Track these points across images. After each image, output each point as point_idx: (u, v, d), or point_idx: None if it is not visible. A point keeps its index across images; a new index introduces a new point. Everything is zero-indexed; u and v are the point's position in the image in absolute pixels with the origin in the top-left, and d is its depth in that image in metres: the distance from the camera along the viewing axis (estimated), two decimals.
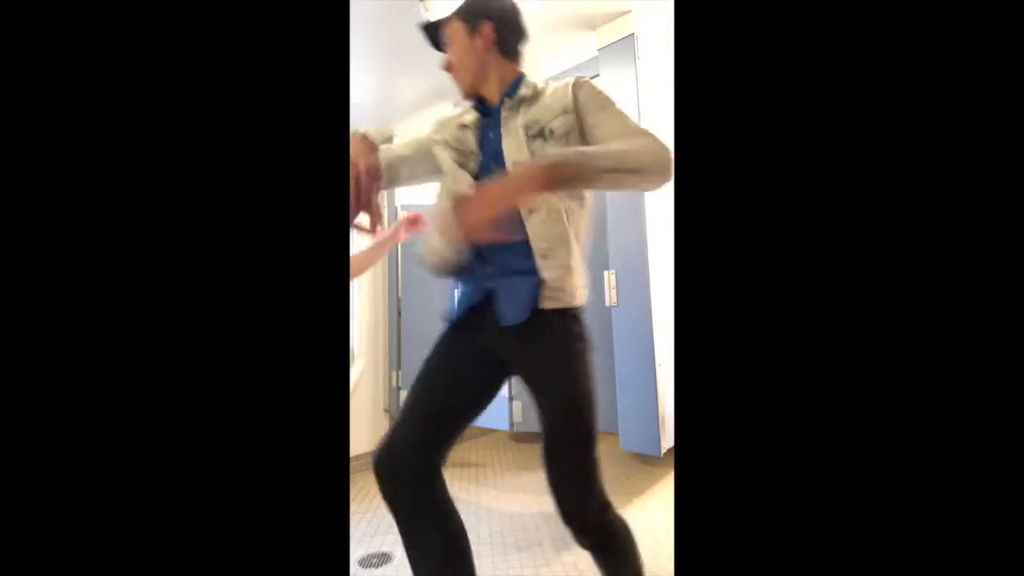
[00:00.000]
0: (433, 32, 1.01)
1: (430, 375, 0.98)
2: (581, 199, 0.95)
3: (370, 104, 2.86)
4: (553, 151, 0.87)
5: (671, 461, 2.22)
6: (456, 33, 0.97)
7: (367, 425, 2.80)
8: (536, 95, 0.95)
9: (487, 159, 0.96)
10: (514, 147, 0.92)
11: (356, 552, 1.67)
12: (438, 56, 1.02)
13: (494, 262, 0.94)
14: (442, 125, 1.06)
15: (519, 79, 0.98)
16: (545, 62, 2.13)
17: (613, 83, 1.93)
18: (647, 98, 1.92)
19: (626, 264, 1.86)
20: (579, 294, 0.93)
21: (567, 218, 0.91)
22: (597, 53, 1.99)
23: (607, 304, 1.88)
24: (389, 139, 1.05)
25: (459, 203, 0.75)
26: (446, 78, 1.06)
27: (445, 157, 1.01)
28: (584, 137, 0.92)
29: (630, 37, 1.90)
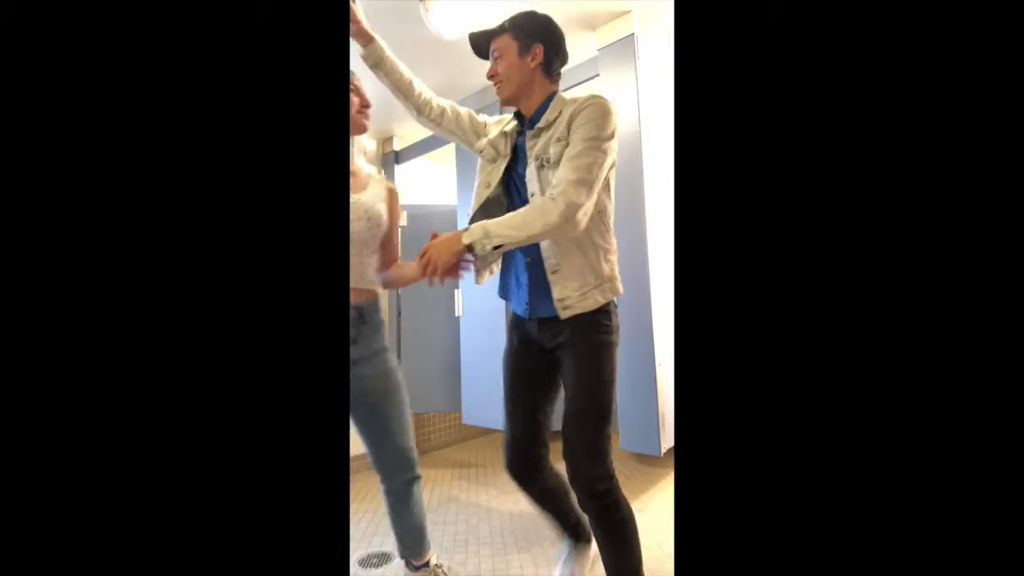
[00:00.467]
0: (479, 40, 1.12)
1: (506, 370, 1.18)
2: (600, 207, 1.05)
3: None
4: (554, 176, 1.00)
5: (671, 461, 2.22)
6: (507, 49, 1.07)
7: None
8: (549, 125, 1.05)
9: (518, 180, 1.11)
10: (531, 175, 1.05)
11: (356, 552, 1.67)
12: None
13: (527, 263, 1.09)
14: (493, 125, 1.19)
15: (551, 97, 1.09)
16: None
17: (613, 83, 1.94)
18: (647, 98, 1.92)
19: (626, 264, 1.86)
20: (593, 300, 1.03)
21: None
22: (597, 53, 1.99)
23: None
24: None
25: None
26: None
27: (481, 167, 1.17)
28: None
29: (630, 37, 1.89)
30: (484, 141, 1.17)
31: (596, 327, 1.04)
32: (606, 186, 1.06)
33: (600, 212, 1.05)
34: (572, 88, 2.12)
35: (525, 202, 1.06)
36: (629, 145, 1.86)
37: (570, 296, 1.02)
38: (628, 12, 1.90)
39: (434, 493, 2.17)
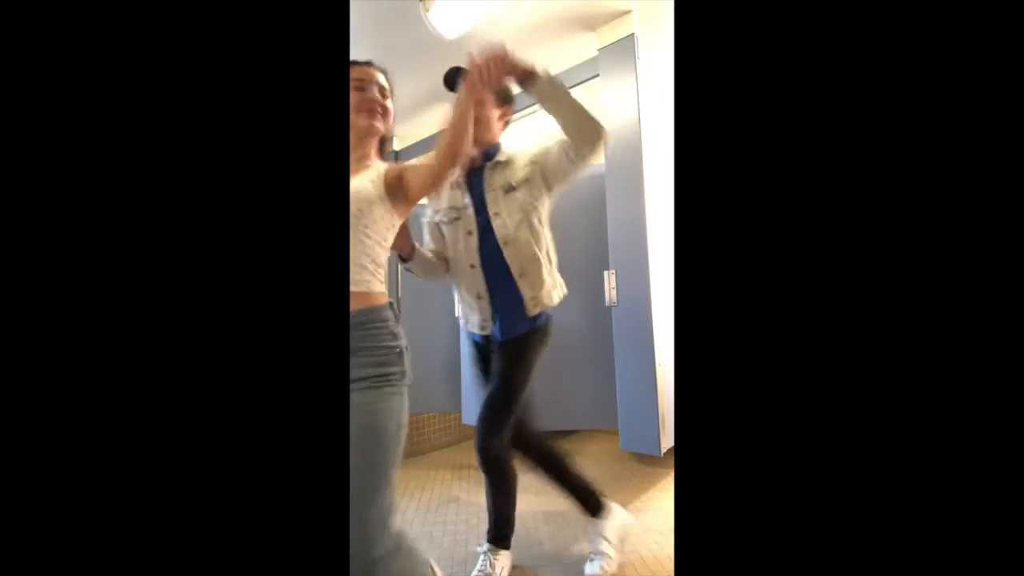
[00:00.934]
0: (455, 76, 1.24)
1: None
2: (541, 223, 1.30)
3: None
4: (521, 196, 1.26)
5: (671, 461, 2.21)
6: (487, 99, 1.26)
7: None
8: (509, 160, 1.29)
9: (477, 211, 1.29)
10: (492, 200, 1.27)
11: None
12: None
13: (493, 280, 1.29)
14: (434, 199, 1.37)
15: (497, 146, 1.34)
16: (545, 63, 2.13)
17: (613, 83, 1.94)
18: (647, 98, 1.91)
19: (626, 264, 1.86)
20: (549, 298, 1.29)
21: (535, 242, 1.26)
22: (597, 53, 1.99)
23: (607, 304, 1.87)
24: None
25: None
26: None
27: (434, 227, 1.37)
28: (547, 175, 1.26)
29: (630, 37, 1.89)
30: (434, 214, 1.35)
31: (529, 325, 1.28)
32: (543, 221, 1.30)
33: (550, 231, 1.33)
34: (572, 88, 2.12)
35: (488, 219, 1.27)
36: (629, 145, 1.86)
37: (538, 295, 1.27)
38: (628, 12, 1.90)
39: (434, 493, 2.17)
